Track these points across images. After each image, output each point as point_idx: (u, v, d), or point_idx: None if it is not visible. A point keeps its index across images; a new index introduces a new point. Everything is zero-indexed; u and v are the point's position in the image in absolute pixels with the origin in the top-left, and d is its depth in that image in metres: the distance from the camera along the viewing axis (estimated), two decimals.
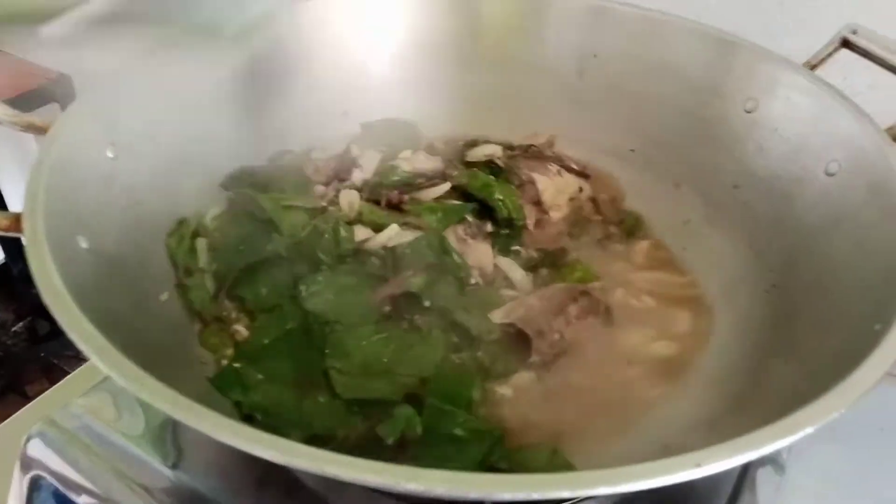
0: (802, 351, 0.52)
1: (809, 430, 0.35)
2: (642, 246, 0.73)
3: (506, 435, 0.53)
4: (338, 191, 0.70)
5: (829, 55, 0.66)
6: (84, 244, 0.51)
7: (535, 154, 0.77)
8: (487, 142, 0.78)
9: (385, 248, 0.63)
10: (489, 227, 0.70)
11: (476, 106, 0.84)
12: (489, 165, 0.75)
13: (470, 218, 0.68)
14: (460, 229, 0.67)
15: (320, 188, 0.73)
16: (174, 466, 0.57)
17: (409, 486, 0.32)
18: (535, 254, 0.70)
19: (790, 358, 0.52)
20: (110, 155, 0.59)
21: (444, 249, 0.63)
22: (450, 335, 0.59)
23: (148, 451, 0.59)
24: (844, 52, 0.66)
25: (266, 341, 0.59)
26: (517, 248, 0.70)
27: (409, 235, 0.64)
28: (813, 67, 0.66)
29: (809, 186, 0.62)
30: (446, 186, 0.71)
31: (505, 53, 0.83)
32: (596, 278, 0.68)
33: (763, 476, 0.58)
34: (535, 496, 0.31)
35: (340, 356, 0.57)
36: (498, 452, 0.51)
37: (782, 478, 0.59)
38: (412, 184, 0.71)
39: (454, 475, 0.32)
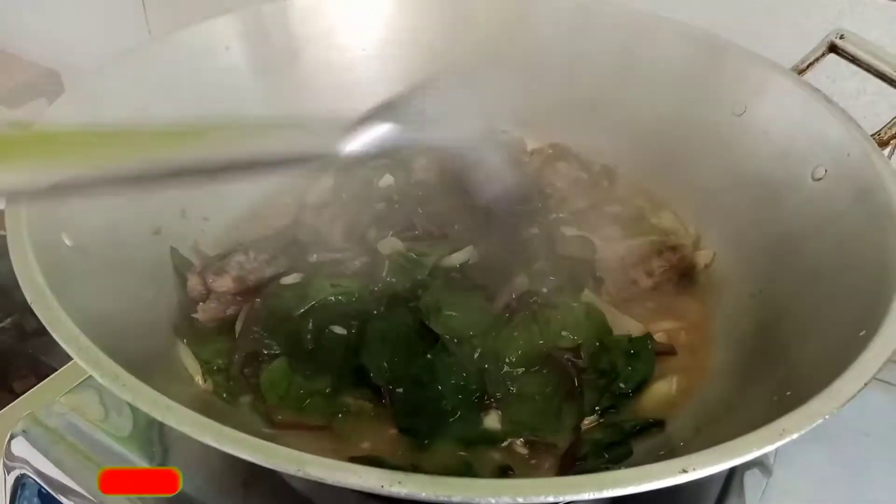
0: (788, 357, 0.52)
1: (794, 435, 0.36)
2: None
3: None
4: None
5: (817, 60, 0.66)
6: (69, 242, 0.50)
7: None
8: None
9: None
10: None
11: None
12: None
13: None
14: None
15: None
16: (161, 464, 0.57)
17: (393, 489, 0.32)
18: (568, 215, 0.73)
19: (777, 363, 0.52)
20: None
21: None
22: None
23: (133, 450, 0.59)
24: (833, 56, 0.66)
25: None
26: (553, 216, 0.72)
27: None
28: (801, 72, 0.66)
29: (796, 191, 0.62)
30: None
31: (493, 52, 0.82)
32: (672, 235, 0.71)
33: (750, 478, 0.59)
34: (521, 500, 0.31)
35: None
36: None
37: (769, 480, 0.59)
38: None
39: (436, 479, 0.32)
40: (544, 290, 0.62)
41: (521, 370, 0.57)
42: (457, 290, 0.62)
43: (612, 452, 0.52)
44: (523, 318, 0.60)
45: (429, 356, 0.56)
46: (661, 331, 0.63)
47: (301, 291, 0.61)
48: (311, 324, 0.58)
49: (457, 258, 0.64)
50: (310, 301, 0.59)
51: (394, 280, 0.62)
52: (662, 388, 0.58)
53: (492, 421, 0.55)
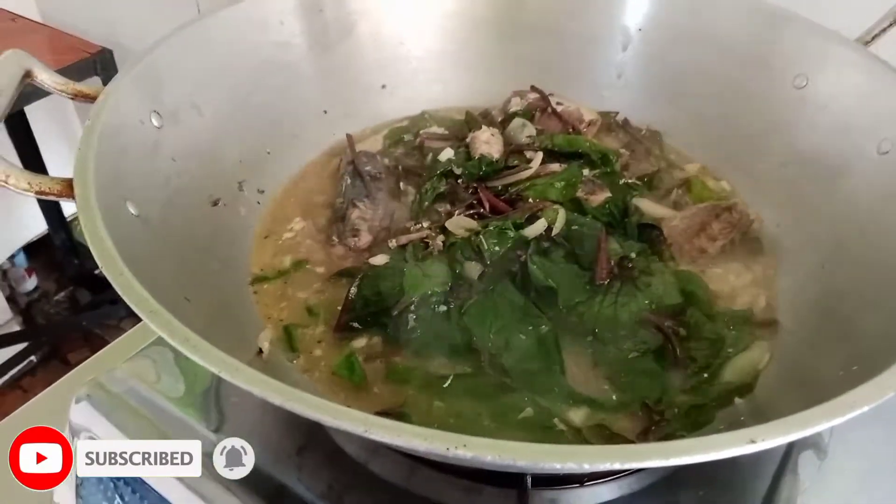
0: (855, 331, 0.51)
1: (865, 408, 0.35)
2: None
3: None
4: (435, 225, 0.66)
5: (884, 30, 0.64)
6: (133, 210, 0.51)
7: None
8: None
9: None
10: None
11: (515, 76, 0.83)
12: None
13: (584, 176, 0.69)
14: (580, 191, 0.68)
15: None
16: (217, 430, 0.58)
17: (459, 452, 0.32)
18: (637, 181, 0.72)
19: (843, 338, 0.51)
20: (156, 123, 0.59)
21: (584, 212, 0.66)
22: None
23: (192, 414, 0.60)
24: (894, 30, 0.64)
25: None
26: (622, 181, 0.71)
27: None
28: (866, 43, 0.65)
29: (860, 164, 0.60)
30: (539, 158, 0.70)
31: (547, 24, 0.82)
32: (720, 196, 0.71)
33: (805, 459, 0.58)
34: (587, 467, 0.31)
35: None
36: None
37: (824, 461, 0.58)
38: (510, 167, 0.70)
39: (502, 444, 0.32)
40: (633, 255, 0.62)
41: (628, 338, 0.57)
42: (553, 259, 0.61)
43: (696, 417, 0.52)
44: (625, 285, 0.59)
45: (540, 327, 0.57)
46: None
47: (396, 284, 0.60)
48: (411, 319, 0.58)
49: (535, 229, 0.62)
50: (408, 299, 0.58)
51: (489, 256, 0.61)
52: (752, 358, 0.57)
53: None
